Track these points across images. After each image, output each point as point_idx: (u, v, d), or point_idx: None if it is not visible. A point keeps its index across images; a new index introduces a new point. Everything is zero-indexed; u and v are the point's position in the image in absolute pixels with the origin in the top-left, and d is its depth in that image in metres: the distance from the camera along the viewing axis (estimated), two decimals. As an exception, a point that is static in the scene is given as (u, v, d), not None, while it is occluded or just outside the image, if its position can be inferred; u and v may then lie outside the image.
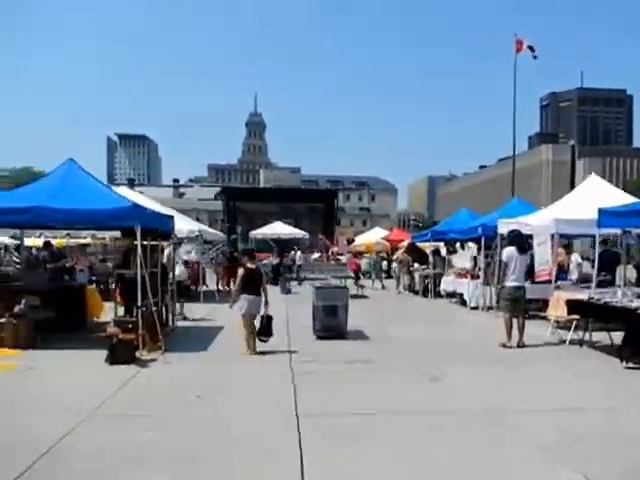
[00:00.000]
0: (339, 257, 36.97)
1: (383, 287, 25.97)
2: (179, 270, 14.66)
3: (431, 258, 22.24)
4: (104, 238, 24.40)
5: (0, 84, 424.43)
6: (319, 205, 52.77)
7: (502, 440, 5.78)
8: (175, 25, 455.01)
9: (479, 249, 17.39)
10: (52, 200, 9.93)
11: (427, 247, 24.31)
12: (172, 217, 13.44)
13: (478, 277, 16.84)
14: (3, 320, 10.13)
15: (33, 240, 19.96)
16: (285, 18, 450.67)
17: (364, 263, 29.68)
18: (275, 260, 28.13)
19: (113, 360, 9.05)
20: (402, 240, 36.76)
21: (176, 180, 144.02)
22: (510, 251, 10.94)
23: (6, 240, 40.20)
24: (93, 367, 8.91)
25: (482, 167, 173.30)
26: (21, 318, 10.29)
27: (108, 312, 14.10)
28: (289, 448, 5.41)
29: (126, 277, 10.70)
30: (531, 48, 35.92)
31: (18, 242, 39.65)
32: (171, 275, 12.94)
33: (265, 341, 10.31)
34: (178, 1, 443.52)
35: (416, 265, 23.37)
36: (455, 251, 21.61)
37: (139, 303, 9.98)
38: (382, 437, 5.77)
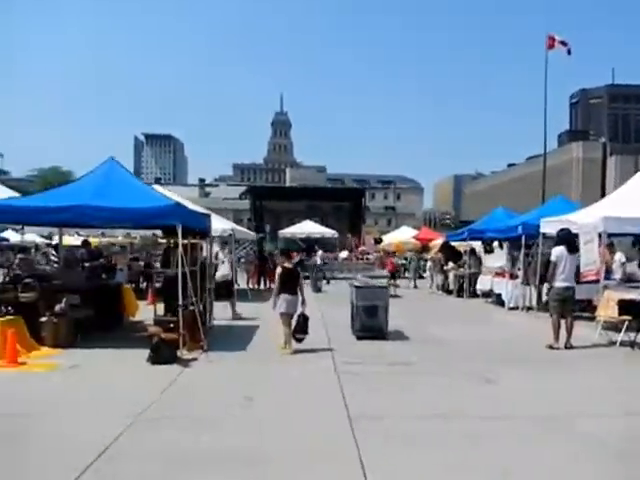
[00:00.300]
0: (368, 256, 36.66)
1: (415, 287, 25.65)
2: (227, 269, 14.51)
3: (466, 257, 21.89)
4: (135, 237, 24.48)
5: (26, 83, 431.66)
6: (345, 204, 52.47)
7: (577, 449, 5.46)
8: (201, 25, 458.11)
9: (518, 248, 16.97)
10: (95, 198, 9.89)
11: (460, 246, 23.99)
12: (209, 216, 13.35)
13: (517, 277, 16.45)
14: (44, 319, 10.11)
15: (66, 239, 19.88)
16: (311, 17, 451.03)
17: (402, 262, 29.31)
18: (295, 259, 28.16)
19: (155, 360, 8.95)
20: (432, 239, 36.39)
21: (202, 179, 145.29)
22: (559, 250, 10.62)
23: (37, 239, 40.83)
24: (135, 366, 8.83)
25: (510, 165, 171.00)
26: (62, 317, 10.26)
27: (142, 311, 14.24)
28: (346, 451, 5.25)
29: (167, 275, 10.59)
30: (563, 43, 35.28)
31: (48, 241, 40.22)
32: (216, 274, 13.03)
33: (300, 340, 10.27)
34: (202, 1, 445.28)
35: (450, 264, 22.98)
36: (492, 250, 21.16)
37: (180, 302, 9.88)
38: (445, 443, 5.55)
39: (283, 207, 50.50)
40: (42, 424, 6.05)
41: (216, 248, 14.92)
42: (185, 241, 10.44)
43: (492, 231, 19.26)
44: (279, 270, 10.58)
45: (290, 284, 10.30)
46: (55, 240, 22.32)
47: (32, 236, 39.40)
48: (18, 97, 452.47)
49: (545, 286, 13.82)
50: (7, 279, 11.47)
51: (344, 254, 36.47)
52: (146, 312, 14.25)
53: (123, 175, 10.98)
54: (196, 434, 5.77)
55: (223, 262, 14.61)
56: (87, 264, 13.15)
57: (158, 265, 21.24)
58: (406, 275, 29.00)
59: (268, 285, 24.83)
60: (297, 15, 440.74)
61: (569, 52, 35.37)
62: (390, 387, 7.75)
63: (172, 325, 9.47)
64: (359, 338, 11.55)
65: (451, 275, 22.49)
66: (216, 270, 14.29)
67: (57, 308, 10.24)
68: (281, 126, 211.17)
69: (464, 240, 21.71)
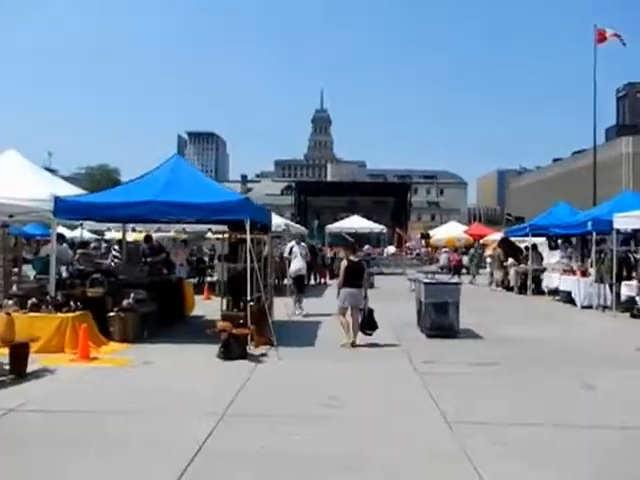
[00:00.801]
0: (416, 251, 36.13)
1: (471, 282, 24.91)
2: (300, 263, 14.10)
3: (526, 253, 21.22)
4: (187, 233, 24.39)
5: (69, 83, 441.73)
6: (388, 199, 51.98)
7: None
8: (242, 23, 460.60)
9: (586, 243, 16.24)
10: (164, 194, 9.74)
11: (518, 242, 23.33)
12: (270, 211, 13.16)
13: (589, 274, 15.69)
14: (112, 314, 9.96)
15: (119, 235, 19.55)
16: (351, 12, 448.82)
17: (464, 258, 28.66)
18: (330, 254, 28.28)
19: (226, 356, 8.69)
20: (484, 235, 35.59)
21: (244, 176, 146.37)
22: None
23: (85, 234, 41.41)
24: (207, 362, 8.60)
25: (556, 160, 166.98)
26: (129, 312, 10.11)
27: (198, 306, 14.10)
28: (458, 462, 4.82)
29: (235, 270, 10.34)
30: (617, 35, 34.22)
31: (97, 237, 40.75)
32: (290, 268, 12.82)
33: (370, 334, 10.15)
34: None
35: (510, 260, 22.27)
36: (557, 246, 20.40)
37: (249, 297, 9.62)
38: (566, 454, 5.07)
39: (325, 202, 50.36)
40: (129, 422, 5.83)
41: (291, 242, 14.45)
42: (252, 236, 10.20)
43: (557, 227, 18.50)
44: (345, 263, 10.42)
45: (355, 278, 10.20)
46: (106, 236, 22.55)
47: (80, 231, 40.28)
48: (62, 96, 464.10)
49: (625, 284, 13.10)
50: (69, 274, 11.35)
51: (391, 249, 35.95)
52: (202, 307, 14.19)
53: (189, 170, 10.84)
54: (286, 434, 5.48)
55: (296, 256, 14.05)
56: (149, 259, 13.00)
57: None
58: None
59: (319, 280, 24.60)
60: (338, 11, 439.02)
61: (624, 44, 34.39)
62: (480, 390, 7.26)
63: (242, 321, 9.18)
64: (429, 336, 11.11)
65: (512, 271, 21.77)
66: (289, 265, 14.05)
67: (125, 303, 10.08)
68: (321, 123, 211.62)
69: (525, 236, 20.98)
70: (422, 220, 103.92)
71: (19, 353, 7.50)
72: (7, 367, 7.44)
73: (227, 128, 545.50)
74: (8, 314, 7.70)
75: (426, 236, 46.75)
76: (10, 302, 9.66)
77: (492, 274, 23.46)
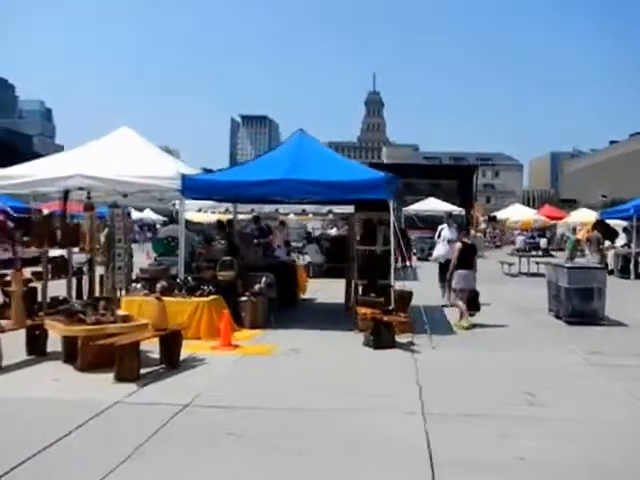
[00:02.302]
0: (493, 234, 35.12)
1: None
2: (443, 249, 12.05)
3: (623, 235, 20.09)
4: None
5: (125, 66, 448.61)
6: (451, 182, 50.54)
7: None
8: (296, 5, 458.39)
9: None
10: (294, 172, 9.16)
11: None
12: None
13: None
14: (244, 298, 9.47)
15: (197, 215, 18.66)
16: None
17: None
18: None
19: (378, 344, 8.08)
20: (560, 217, 34.27)
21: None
22: None
23: (152, 216, 41.41)
24: (359, 351, 8.08)
25: (612, 142, 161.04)
26: (260, 296, 9.61)
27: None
28: None
29: (367, 253, 9.74)
30: None
31: (164, 219, 40.43)
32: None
33: (472, 315, 10.00)
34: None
35: (607, 243, 21.08)
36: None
37: (392, 281, 9.01)
38: None
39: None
40: (322, 420, 5.27)
41: (442, 225, 12.35)
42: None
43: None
44: (459, 245, 10.25)
45: (468, 259, 10.12)
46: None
47: (148, 213, 40.22)
48: (116, 80, 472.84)
49: None
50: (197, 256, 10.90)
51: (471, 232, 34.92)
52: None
53: (316, 147, 10.22)
54: (492, 435, 4.87)
55: (444, 240, 12.08)
56: (261, 240, 12.50)
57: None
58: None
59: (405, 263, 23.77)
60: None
61: None
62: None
63: (390, 307, 8.54)
64: (569, 323, 10.36)
65: (610, 254, 20.61)
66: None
67: (257, 287, 9.59)
68: (374, 105, 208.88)
69: (629, 218, 19.76)
70: (478, 202, 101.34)
71: (171, 341, 7.03)
72: (155, 356, 7.01)
73: (279, 111, 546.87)
74: (159, 299, 7.22)
75: (493, 219, 45.44)
76: (138, 285, 9.28)
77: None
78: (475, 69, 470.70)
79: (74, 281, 10.68)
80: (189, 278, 9.30)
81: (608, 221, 22.48)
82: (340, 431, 4.94)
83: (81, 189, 9.96)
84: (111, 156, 9.82)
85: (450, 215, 11.63)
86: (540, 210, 39.03)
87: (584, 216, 34.67)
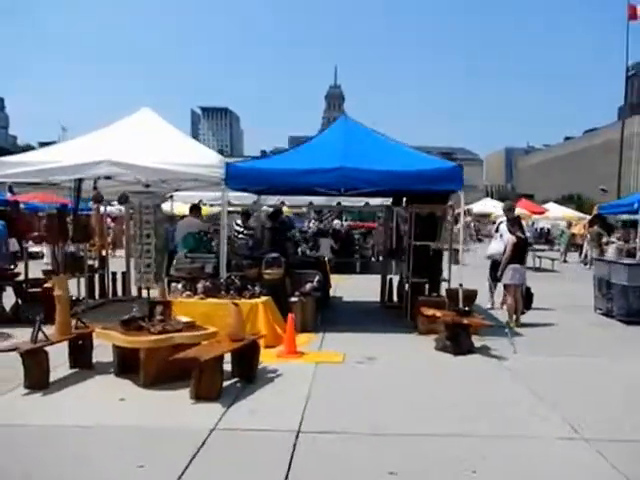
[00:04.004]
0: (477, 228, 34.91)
1: (565, 261, 23.69)
2: (497, 246, 10.56)
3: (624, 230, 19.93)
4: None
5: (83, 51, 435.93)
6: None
7: None
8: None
9: None
10: (350, 160, 8.30)
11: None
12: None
13: None
14: (294, 299, 8.59)
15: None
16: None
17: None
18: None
19: (457, 350, 7.34)
20: (540, 212, 34.23)
21: (264, 151, 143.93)
22: None
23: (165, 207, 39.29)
24: (440, 358, 7.33)
25: (567, 139, 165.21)
26: (309, 297, 8.75)
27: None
28: None
29: (421, 249, 9.01)
30: None
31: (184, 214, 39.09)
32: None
33: (524, 313, 9.58)
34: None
35: (604, 238, 20.92)
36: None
37: (460, 280, 8.26)
38: None
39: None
40: (463, 446, 4.45)
41: (501, 218, 11.13)
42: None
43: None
44: (514, 239, 9.51)
45: (522, 254, 9.71)
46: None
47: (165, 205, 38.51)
48: (70, 70, 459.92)
49: None
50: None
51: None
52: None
53: (367, 133, 9.37)
54: None
55: (500, 236, 10.68)
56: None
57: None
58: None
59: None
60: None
61: None
62: None
63: (467, 308, 7.79)
64: (626, 322, 9.94)
65: (611, 249, 20.38)
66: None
67: (308, 287, 8.71)
68: (335, 99, 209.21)
69: (634, 212, 19.50)
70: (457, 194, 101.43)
71: (250, 353, 6.11)
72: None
73: (240, 104, 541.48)
74: (235, 304, 6.26)
75: (467, 212, 45.32)
76: (179, 286, 8.27)
77: (587, 252, 22.24)
78: (438, 64, 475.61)
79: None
80: (234, 277, 8.34)
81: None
82: (502, 463, 4.16)
83: (108, 178, 8.87)
84: (139, 141, 8.75)
85: (510, 208, 10.42)
86: (518, 204, 38.89)
87: (564, 211, 34.98)
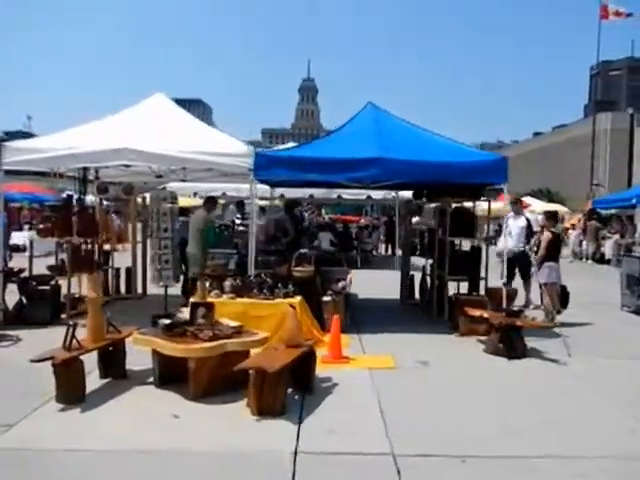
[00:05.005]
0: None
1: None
2: (511, 243, 9.64)
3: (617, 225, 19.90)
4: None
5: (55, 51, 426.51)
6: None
7: None
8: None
9: None
10: (386, 150, 7.77)
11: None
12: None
13: None
14: (327, 298, 8.02)
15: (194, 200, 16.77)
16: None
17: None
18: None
19: (512, 353, 6.87)
20: (524, 206, 34.26)
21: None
22: None
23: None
24: (492, 362, 6.82)
25: (536, 134, 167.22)
26: (340, 295, 8.20)
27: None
28: None
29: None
30: (618, 13, 33.34)
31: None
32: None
33: (560, 312, 9.07)
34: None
35: (600, 233, 20.93)
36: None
37: (504, 279, 7.81)
38: None
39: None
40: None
41: (509, 213, 9.90)
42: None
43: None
44: (548, 235, 9.07)
45: (556, 251, 9.26)
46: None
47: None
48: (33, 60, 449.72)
49: None
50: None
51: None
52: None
53: (398, 123, 8.81)
54: None
55: (510, 232, 9.83)
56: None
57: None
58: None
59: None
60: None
61: (628, 15, 33.50)
62: None
63: (517, 309, 7.33)
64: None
65: (608, 244, 20.37)
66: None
67: (340, 285, 8.15)
68: (308, 92, 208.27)
69: (632, 207, 19.44)
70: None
71: (307, 362, 5.53)
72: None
73: (213, 95, 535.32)
74: (293, 307, 5.67)
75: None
76: (207, 284, 7.61)
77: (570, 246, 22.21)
78: (408, 62, 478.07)
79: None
80: (264, 275, 7.72)
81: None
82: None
83: (127, 166, 8.17)
84: (156, 128, 8.09)
85: (516, 201, 10.08)
86: (498, 199, 38.98)
87: (546, 206, 34.94)
